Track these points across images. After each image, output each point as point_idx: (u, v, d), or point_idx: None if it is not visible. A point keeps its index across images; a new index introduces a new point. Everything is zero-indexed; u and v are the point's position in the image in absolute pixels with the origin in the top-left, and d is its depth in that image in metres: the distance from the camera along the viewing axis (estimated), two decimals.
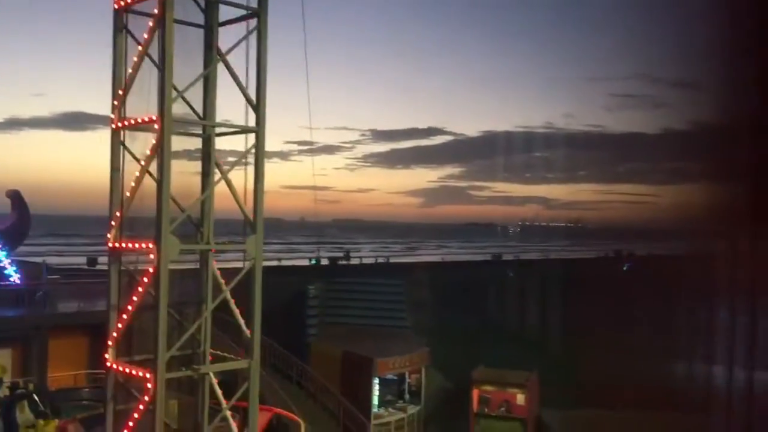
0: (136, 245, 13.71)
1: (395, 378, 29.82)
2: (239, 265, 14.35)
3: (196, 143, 14.70)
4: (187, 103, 14.13)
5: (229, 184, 14.02)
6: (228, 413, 13.87)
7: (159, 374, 12.64)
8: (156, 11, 13.19)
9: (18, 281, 27.66)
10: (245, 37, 14.00)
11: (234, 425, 14.11)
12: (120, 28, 14.24)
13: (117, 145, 14.35)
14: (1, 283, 27.21)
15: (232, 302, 14.08)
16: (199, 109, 14.40)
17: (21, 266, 28.62)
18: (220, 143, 14.76)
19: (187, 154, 14.68)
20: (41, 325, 24.66)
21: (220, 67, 14.27)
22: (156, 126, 13.04)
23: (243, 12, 14.13)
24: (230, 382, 15.77)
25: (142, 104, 13.67)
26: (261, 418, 16.31)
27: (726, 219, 2.55)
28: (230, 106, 14.91)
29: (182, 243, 13.21)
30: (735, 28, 2.50)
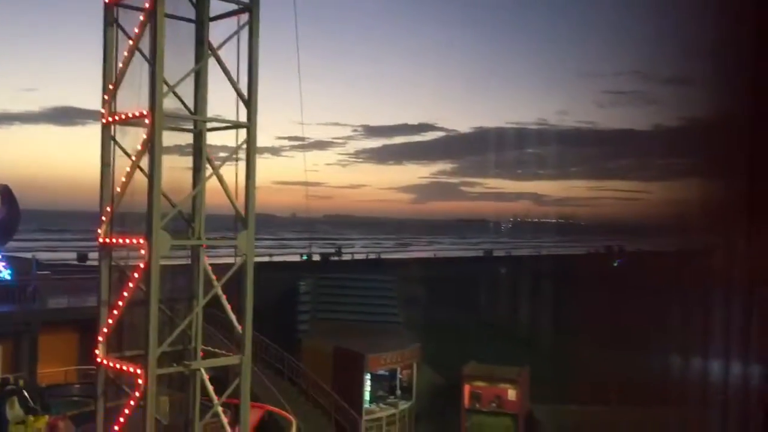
0: (127, 241, 13.64)
1: (387, 374, 29.85)
2: (230, 260, 14.31)
3: (187, 138, 14.64)
4: (178, 98, 14.07)
5: (220, 179, 13.98)
6: (219, 409, 13.85)
7: (150, 370, 12.60)
8: (147, 5, 13.11)
9: (8, 277, 27.50)
10: (237, 32, 13.95)
11: (225, 421, 14.09)
12: (110, 22, 14.15)
13: (107, 140, 14.28)
14: None
15: (223, 298, 14.05)
16: (190, 104, 14.34)
17: (11, 262, 28.45)
18: (212, 138, 14.72)
19: (178, 150, 14.62)
20: (31, 320, 24.53)
21: (212, 62, 14.21)
22: (147, 121, 12.97)
23: (234, 7, 14.07)
24: (222, 378, 15.75)
25: (133, 99, 13.60)
26: (252, 415, 16.30)
27: (716, 215, 2.56)
28: (221, 101, 14.87)
29: (173, 238, 13.16)
30: (726, 27, 2.51)
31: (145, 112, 13.00)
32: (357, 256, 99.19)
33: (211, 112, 14.63)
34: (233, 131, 14.26)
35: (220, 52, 14.12)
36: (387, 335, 31.86)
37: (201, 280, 14.08)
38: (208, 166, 14.21)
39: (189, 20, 14.27)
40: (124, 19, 14.11)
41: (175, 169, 14.01)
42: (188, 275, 14.31)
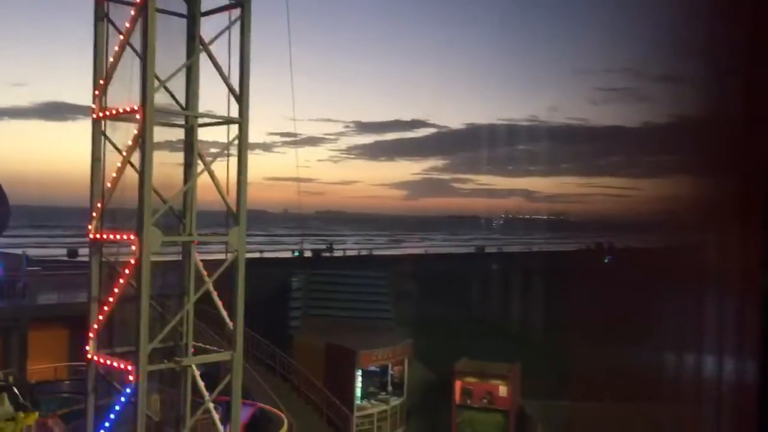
0: (118, 237, 13.60)
1: (378, 370, 29.89)
2: (222, 257, 14.28)
3: (178, 134, 14.58)
4: (170, 93, 14.02)
5: (211, 175, 13.94)
6: (211, 406, 13.83)
7: (140, 367, 12.57)
8: (138, 0, 13.05)
9: None
10: (228, 27, 13.90)
11: (217, 417, 14.07)
12: (101, 16, 14.06)
13: (98, 135, 14.21)
14: None
15: (214, 294, 14.02)
16: (182, 99, 14.28)
17: (0, 257, 28.29)
18: (203, 134, 14.67)
19: (169, 145, 14.57)
20: (21, 316, 24.42)
21: (203, 57, 14.16)
22: (138, 116, 12.92)
23: (226, 2, 14.02)
24: (213, 374, 15.73)
25: (124, 94, 13.54)
26: (243, 412, 16.29)
27: (705, 212, 2.57)
28: (213, 97, 14.82)
29: (164, 234, 13.12)
30: (719, 23, 2.52)
31: (136, 108, 12.94)
32: (349, 253, 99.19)
33: (202, 108, 14.59)
34: (225, 127, 14.22)
35: (212, 48, 14.07)
36: (378, 332, 31.89)
37: (192, 276, 14.04)
38: (199, 161, 14.16)
39: (180, 15, 14.21)
40: (114, 14, 14.03)
41: (166, 165, 13.97)
42: (179, 271, 14.28)
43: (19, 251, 34.79)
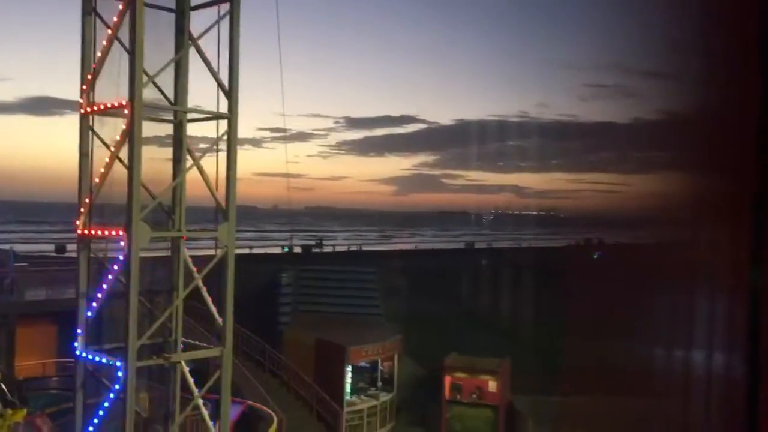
0: (106, 232, 13.52)
1: (368, 366, 29.92)
2: (211, 252, 14.24)
3: (167, 129, 14.52)
4: (158, 88, 13.94)
5: (200, 170, 13.88)
6: (200, 402, 13.80)
7: (129, 362, 12.52)
8: None
9: None
10: (217, 22, 13.83)
11: (206, 414, 14.05)
12: (88, 10, 13.96)
13: (86, 130, 14.11)
14: None
15: (204, 290, 13.98)
16: (170, 94, 14.21)
17: None
18: (192, 129, 14.61)
19: (157, 140, 14.50)
20: (8, 313, 24.26)
21: (192, 52, 14.08)
22: (126, 111, 12.84)
23: None
24: (203, 370, 15.69)
25: (112, 89, 13.45)
26: (233, 410, 16.25)
27: (694, 207, 2.58)
28: (202, 92, 14.75)
29: (153, 230, 13.06)
30: (708, 19, 2.52)
31: (124, 103, 12.86)
32: (338, 248, 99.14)
33: (191, 103, 14.52)
34: (214, 122, 14.16)
35: (201, 42, 14.00)
36: (368, 327, 31.91)
37: (181, 272, 13.99)
38: (188, 157, 14.10)
39: (169, 9, 14.13)
40: (102, 8, 13.92)
41: (155, 160, 13.90)
42: (168, 267, 14.22)
43: (6, 247, 34.59)
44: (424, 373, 32.72)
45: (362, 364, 29.41)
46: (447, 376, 28.35)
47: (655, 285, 3.04)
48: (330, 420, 26.41)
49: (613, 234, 4.60)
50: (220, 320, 13.94)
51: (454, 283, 59.46)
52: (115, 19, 13.41)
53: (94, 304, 13.66)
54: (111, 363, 13.06)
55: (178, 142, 14.21)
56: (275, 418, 21.53)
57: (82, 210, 13.96)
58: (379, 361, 29.86)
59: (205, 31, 13.98)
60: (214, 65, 13.86)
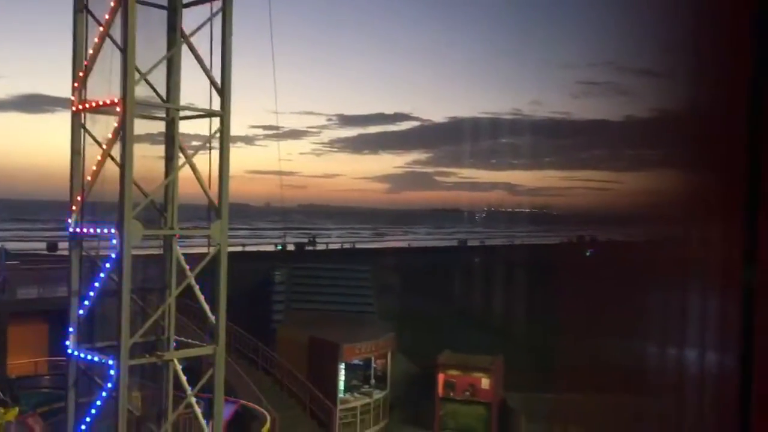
0: (98, 230, 13.47)
1: (361, 363, 29.92)
2: (204, 250, 14.20)
3: (159, 127, 14.47)
4: (150, 85, 13.89)
5: (193, 168, 13.84)
6: (193, 400, 13.78)
7: (122, 361, 12.49)
8: None
9: None
10: (210, 19, 13.78)
11: (199, 411, 14.03)
12: (80, 8, 13.89)
13: (77, 127, 14.04)
14: None
15: (196, 288, 13.95)
16: (163, 91, 14.15)
17: None
18: (184, 127, 14.56)
19: (150, 138, 14.45)
20: (0, 311, 24.15)
21: (185, 49, 14.03)
22: (118, 109, 12.78)
23: None
24: (195, 369, 15.66)
25: (104, 86, 13.39)
26: (226, 410, 16.22)
27: (687, 205, 2.59)
28: (194, 89, 14.70)
29: (145, 228, 13.02)
30: (700, 17, 2.53)
31: (116, 100, 12.81)
32: (332, 246, 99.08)
33: (184, 100, 14.47)
34: (206, 120, 14.12)
35: (193, 39, 13.95)
36: (362, 325, 31.91)
37: (174, 270, 13.96)
38: (180, 154, 14.06)
39: (161, 7, 14.07)
40: (94, 5, 13.86)
41: (147, 158, 13.85)
42: (161, 265, 14.18)
43: None
44: (418, 371, 32.75)
45: (355, 361, 29.42)
46: (440, 374, 28.40)
47: (647, 282, 3.04)
48: (323, 418, 26.40)
49: (606, 231, 4.61)
50: (212, 318, 13.91)
51: (447, 281, 59.53)
52: (107, 16, 13.35)
53: (86, 302, 13.61)
54: (103, 361, 13.01)
55: (171, 140, 14.16)
56: (268, 418, 21.52)
57: (74, 208, 13.90)
58: (373, 358, 29.87)
59: (198, 29, 13.93)
60: (207, 62, 13.82)
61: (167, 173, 14.10)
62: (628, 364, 3.41)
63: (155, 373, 14.38)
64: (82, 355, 13.68)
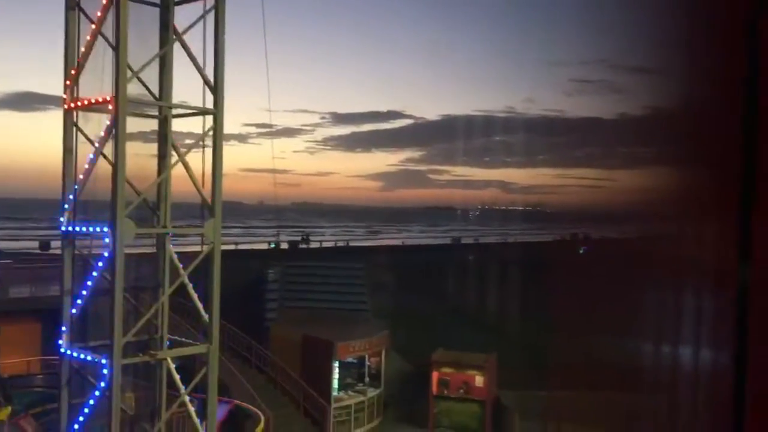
0: (91, 229, 13.41)
1: (355, 361, 29.93)
2: (197, 249, 14.16)
3: (152, 125, 14.40)
4: (143, 83, 13.83)
5: (186, 166, 13.79)
6: (186, 399, 13.75)
7: (115, 360, 12.44)
8: None
9: None
10: (202, 16, 13.72)
11: (192, 411, 13.99)
12: (72, 5, 13.82)
13: (70, 126, 13.97)
14: None
15: (190, 287, 13.91)
16: (155, 89, 14.10)
17: None
18: (177, 125, 14.51)
19: (142, 136, 14.39)
20: None
21: (177, 47, 13.97)
22: (110, 107, 12.73)
23: None
24: (189, 367, 15.63)
25: (96, 84, 13.32)
26: (220, 410, 16.20)
27: (681, 203, 2.59)
28: (187, 87, 14.65)
29: (138, 227, 12.97)
30: (695, 15, 2.53)
31: (108, 98, 12.75)
32: (325, 244, 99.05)
33: (176, 99, 14.42)
34: (199, 118, 14.07)
35: (186, 37, 13.89)
36: (356, 323, 31.91)
37: (167, 268, 13.91)
38: (173, 153, 14.01)
39: (153, 4, 14.01)
40: (86, 3, 13.78)
41: (140, 156, 13.80)
42: (154, 264, 14.14)
43: None
44: (412, 369, 32.78)
45: (349, 359, 29.42)
46: (434, 372, 28.43)
47: (640, 280, 3.05)
48: (317, 416, 26.39)
49: (599, 229, 4.61)
50: (206, 317, 13.87)
51: (441, 279, 59.60)
52: (98, 13, 13.28)
53: (79, 301, 13.56)
54: (96, 360, 12.96)
55: (163, 138, 14.11)
56: (262, 417, 21.49)
57: (66, 206, 13.84)
58: (367, 356, 29.88)
59: (190, 26, 13.87)
60: (200, 60, 13.77)
61: (160, 171, 14.05)
62: (621, 362, 3.41)
63: (149, 372, 14.34)
64: (74, 354, 13.63)
